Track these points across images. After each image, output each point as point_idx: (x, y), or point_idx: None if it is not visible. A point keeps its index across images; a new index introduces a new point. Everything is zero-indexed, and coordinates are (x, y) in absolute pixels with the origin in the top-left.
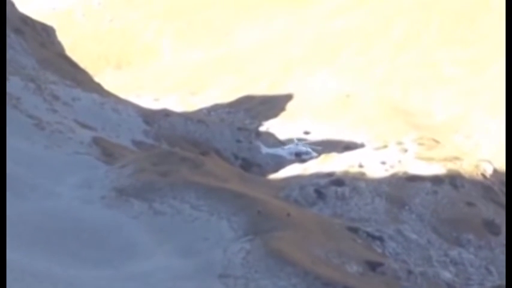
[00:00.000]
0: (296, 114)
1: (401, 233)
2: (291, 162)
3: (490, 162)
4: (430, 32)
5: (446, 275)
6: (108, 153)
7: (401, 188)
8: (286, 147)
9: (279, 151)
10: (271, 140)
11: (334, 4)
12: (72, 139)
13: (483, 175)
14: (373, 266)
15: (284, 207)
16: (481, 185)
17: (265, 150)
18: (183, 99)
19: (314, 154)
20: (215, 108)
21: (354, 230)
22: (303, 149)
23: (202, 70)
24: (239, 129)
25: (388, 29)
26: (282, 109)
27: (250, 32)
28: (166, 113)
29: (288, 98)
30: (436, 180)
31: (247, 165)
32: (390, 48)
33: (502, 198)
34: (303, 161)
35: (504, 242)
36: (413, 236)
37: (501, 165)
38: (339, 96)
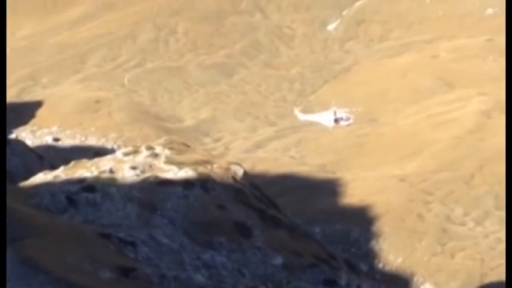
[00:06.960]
0: (46, 122)
1: (154, 237)
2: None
3: (239, 164)
4: (177, 37)
5: (199, 278)
6: None
7: (153, 193)
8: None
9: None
10: (20, 147)
11: (80, 12)
12: None
13: (233, 178)
14: (126, 271)
15: (35, 215)
16: (232, 188)
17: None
18: None
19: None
20: None
21: (106, 236)
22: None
23: None
24: None
25: (135, 35)
26: (32, 116)
27: None
28: None
29: (38, 105)
30: (187, 184)
31: None
32: (138, 53)
33: (253, 201)
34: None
35: (257, 244)
36: (166, 241)
37: (250, 167)
38: (88, 103)
